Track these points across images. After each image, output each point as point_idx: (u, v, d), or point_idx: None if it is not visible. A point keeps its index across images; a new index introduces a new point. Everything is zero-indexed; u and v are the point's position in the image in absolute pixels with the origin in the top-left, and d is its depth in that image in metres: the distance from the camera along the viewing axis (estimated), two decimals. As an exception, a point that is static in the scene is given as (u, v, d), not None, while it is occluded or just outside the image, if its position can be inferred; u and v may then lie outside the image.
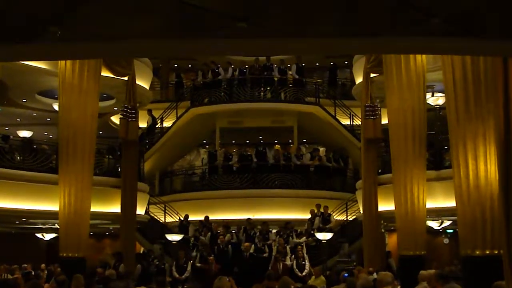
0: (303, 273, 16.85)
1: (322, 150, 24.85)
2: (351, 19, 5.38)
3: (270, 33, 5.56)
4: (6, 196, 16.07)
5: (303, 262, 17.02)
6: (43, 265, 18.31)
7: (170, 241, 18.73)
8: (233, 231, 19.39)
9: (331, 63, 27.54)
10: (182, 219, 20.68)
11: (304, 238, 18.89)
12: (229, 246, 18.24)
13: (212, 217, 20.75)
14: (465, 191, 11.26)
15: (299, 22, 5.41)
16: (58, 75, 15.37)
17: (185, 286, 15.09)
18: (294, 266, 16.93)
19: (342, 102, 24.43)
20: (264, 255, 17.78)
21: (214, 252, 18.00)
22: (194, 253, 18.20)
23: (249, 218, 19.83)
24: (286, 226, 19.39)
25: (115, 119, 22.92)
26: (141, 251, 21.21)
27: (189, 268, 16.93)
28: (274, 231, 19.51)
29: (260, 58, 23.74)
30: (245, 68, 24.02)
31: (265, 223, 19.44)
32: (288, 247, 17.90)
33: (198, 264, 17.16)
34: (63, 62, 15.03)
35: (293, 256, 17.39)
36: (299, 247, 17.62)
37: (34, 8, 5.14)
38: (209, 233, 18.95)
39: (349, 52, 18.42)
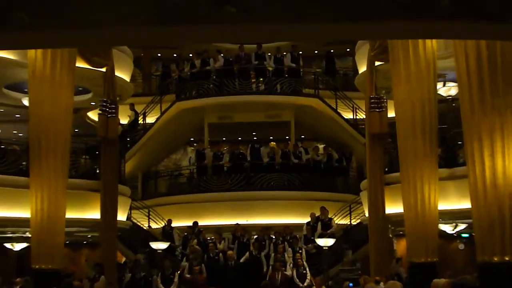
0: (305, 284, 16.87)
1: (321, 147, 24.85)
2: (350, 2, 5.37)
3: (260, 18, 5.54)
4: (-29, 202, 16.03)
5: (304, 271, 17.04)
6: (18, 279, 18.23)
7: (155, 250, 18.70)
8: (224, 238, 19.37)
9: (329, 51, 27.47)
10: (165, 225, 20.69)
11: (311, 246, 18.91)
12: (220, 254, 18.24)
13: (201, 222, 20.71)
14: (481, 191, 11.29)
15: (291, 7, 5.39)
16: (28, 66, 15.30)
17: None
18: (295, 276, 16.95)
19: (344, 93, 24.42)
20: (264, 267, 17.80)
21: (204, 261, 18.00)
22: (183, 263, 18.18)
23: (237, 224, 19.82)
24: (285, 230, 19.41)
25: (92, 115, 22.83)
26: (123, 261, 21.17)
27: (176, 279, 16.92)
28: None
29: (249, 46, 23.70)
30: (231, 57, 23.97)
31: (267, 228, 19.48)
32: (286, 255, 17.91)
33: (188, 275, 17.16)
34: (33, 52, 14.95)
35: (291, 264, 17.42)
36: (298, 254, 17.63)
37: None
38: (195, 240, 18.90)
39: (348, 38, 18.39)
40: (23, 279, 15.66)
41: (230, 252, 18.00)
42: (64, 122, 15.25)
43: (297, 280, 16.93)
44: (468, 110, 11.61)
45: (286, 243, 18.67)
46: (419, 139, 14.86)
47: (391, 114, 17.61)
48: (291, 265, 17.39)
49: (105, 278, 16.12)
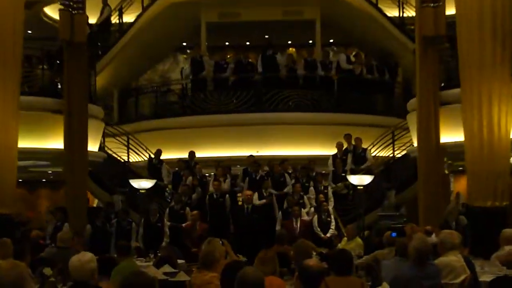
0: (328, 234, 16.95)
1: (361, 54, 24.77)
2: None
3: None
4: None
5: (328, 219, 17.11)
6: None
7: (137, 190, 18.77)
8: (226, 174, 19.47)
9: None
10: (152, 157, 20.71)
11: (341, 185, 18.99)
12: (226, 196, 18.32)
13: (198, 154, 20.76)
14: None
15: None
16: None
17: (159, 253, 15.15)
18: (316, 224, 17.02)
19: (388, -18, 24.22)
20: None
21: (204, 205, 18.10)
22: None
23: (251, 155, 19.84)
24: (307, 166, 19.43)
25: (51, 11, 22.67)
26: (95, 205, 21.33)
27: (166, 228, 17.05)
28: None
29: None
30: None
31: (283, 161, 19.58)
32: (306, 197, 17.98)
33: (168, 223, 17.26)
34: None
35: (312, 209, 17.48)
36: (321, 196, 17.66)
37: None
38: (190, 178, 18.97)
39: None
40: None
41: (248, 192, 18.04)
42: (12, 22, 15.05)
43: (318, 229, 16.99)
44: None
45: (311, 181, 18.76)
46: (487, 43, 14.65)
47: (450, 10, 17.39)
48: (312, 209, 17.48)
49: (70, 226, 16.21)
